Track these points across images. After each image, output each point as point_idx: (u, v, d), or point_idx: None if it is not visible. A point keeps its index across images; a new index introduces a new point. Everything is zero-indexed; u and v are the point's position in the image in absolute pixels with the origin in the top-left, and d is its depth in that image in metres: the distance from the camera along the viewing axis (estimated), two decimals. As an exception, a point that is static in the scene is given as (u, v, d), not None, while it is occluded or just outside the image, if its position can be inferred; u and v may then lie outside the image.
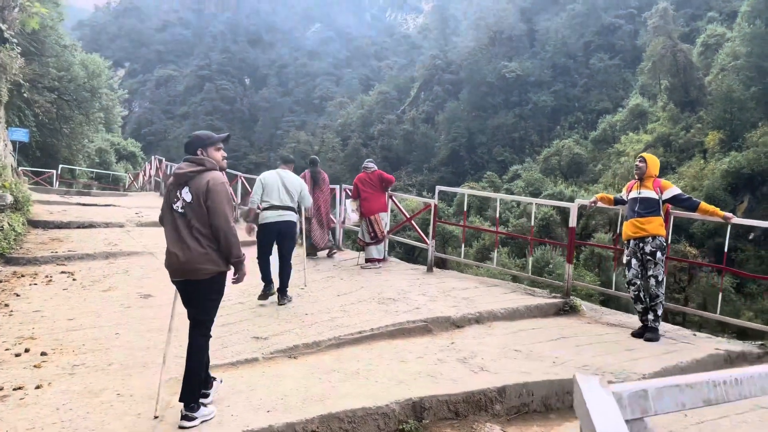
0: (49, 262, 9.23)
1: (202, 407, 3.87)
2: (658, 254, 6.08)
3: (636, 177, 6.43)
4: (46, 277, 8.48)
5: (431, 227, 8.95)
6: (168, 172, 15.05)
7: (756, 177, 33.01)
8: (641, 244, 6.18)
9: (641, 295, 6.20)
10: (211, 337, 4.17)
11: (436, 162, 66.16)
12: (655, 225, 6.13)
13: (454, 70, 74.74)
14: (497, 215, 8.49)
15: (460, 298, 7.13)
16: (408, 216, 9.56)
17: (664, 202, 6.25)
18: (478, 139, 64.69)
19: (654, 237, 6.11)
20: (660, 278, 6.10)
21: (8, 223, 9.86)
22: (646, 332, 6.05)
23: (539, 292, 7.72)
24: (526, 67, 66.86)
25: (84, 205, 14.65)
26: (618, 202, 6.74)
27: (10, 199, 9.82)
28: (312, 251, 9.93)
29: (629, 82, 59.73)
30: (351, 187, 9.63)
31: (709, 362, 5.38)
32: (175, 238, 3.87)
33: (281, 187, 7.20)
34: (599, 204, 6.88)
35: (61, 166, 22.17)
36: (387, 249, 9.80)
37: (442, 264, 10.21)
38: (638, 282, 6.20)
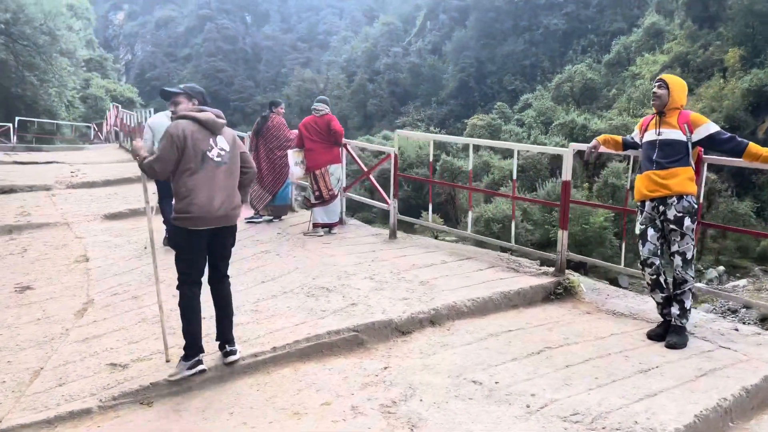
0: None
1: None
2: (686, 221, 4.21)
3: (654, 109, 4.49)
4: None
5: (392, 183, 7.09)
6: (126, 121, 13.18)
7: (780, 95, 30.30)
8: (661, 207, 4.31)
9: (661, 280, 4.37)
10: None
11: (444, 95, 63.27)
12: (682, 179, 4.24)
13: (460, -5, 70.57)
14: (470, 167, 6.60)
15: (417, 282, 5.34)
16: (366, 169, 7.66)
17: (695, 144, 4.33)
18: (487, 68, 61.53)
19: (680, 197, 4.23)
20: (689, 255, 4.25)
21: None
22: (669, 334, 4.24)
23: (526, 264, 5.91)
24: (537, -12, 62.69)
25: (21, 163, 12.97)
26: (628, 145, 4.81)
27: None
28: (274, 213, 8.13)
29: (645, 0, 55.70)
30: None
31: (765, 390, 3.60)
32: (219, 185, 3.90)
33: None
34: (602, 149, 4.95)
35: (17, 118, 20.14)
36: (344, 209, 7.99)
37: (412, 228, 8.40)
38: (657, 261, 4.35)
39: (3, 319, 5.24)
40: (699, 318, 4.74)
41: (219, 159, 3.92)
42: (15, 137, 19.84)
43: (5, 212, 8.98)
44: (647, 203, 4.41)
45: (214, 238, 3.98)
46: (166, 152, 3.86)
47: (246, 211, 4.16)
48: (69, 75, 25.39)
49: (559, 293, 5.25)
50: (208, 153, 3.89)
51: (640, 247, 4.44)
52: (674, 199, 4.24)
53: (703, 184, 4.57)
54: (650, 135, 4.44)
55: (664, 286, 4.36)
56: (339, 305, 4.83)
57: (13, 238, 7.97)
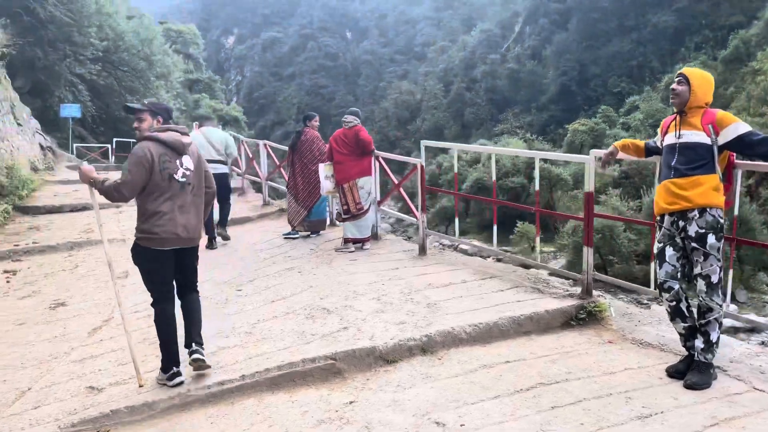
0: (2, 258, 8.13)
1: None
2: (710, 238, 3.56)
3: (674, 109, 3.87)
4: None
5: (419, 196, 6.71)
6: None
7: None
8: (681, 222, 3.68)
9: (682, 307, 3.72)
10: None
11: (545, 100, 61.28)
12: (705, 189, 3.59)
13: (561, -3, 68.32)
14: (494, 177, 6.05)
15: (424, 304, 4.94)
16: (396, 182, 7.32)
17: (722, 148, 3.66)
18: (590, 71, 58.92)
19: (703, 210, 3.59)
20: (714, 279, 3.59)
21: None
22: (690, 371, 3.59)
23: (556, 285, 5.34)
24: (645, -15, 59.35)
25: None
26: (651, 151, 4.16)
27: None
28: (311, 228, 8.01)
29: (767, -12, 51.06)
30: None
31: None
32: (184, 206, 3.92)
33: (207, 144, 7.83)
34: (621, 156, 4.33)
35: (115, 139, 21.73)
36: (378, 224, 7.69)
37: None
38: (676, 286, 3.71)
39: (25, 335, 5.43)
40: (739, 351, 4.01)
41: (184, 179, 3.93)
42: (113, 157, 21.35)
43: (73, 229, 9.50)
44: (666, 218, 3.79)
45: (177, 256, 4.02)
46: (135, 175, 3.81)
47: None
48: (169, 97, 26.94)
49: (582, 318, 4.66)
50: (174, 175, 3.88)
51: (657, 269, 3.81)
52: (696, 212, 3.60)
53: (737, 196, 3.87)
54: (670, 138, 3.81)
55: (686, 314, 3.70)
56: (331, 329, 4.55)
57: (72, 254, 8.37)
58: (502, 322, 4.48)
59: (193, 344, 3.97)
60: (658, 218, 3.86)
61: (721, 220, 3.61)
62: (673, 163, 3.72)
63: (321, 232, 8.09)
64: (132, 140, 19.29)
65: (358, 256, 6.86)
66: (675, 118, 3.82)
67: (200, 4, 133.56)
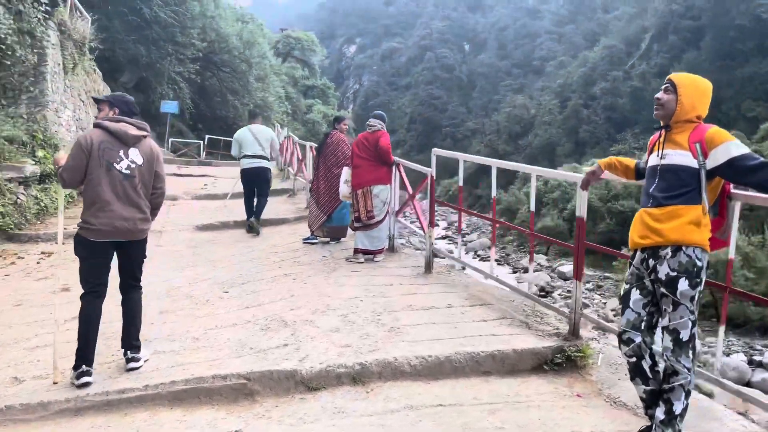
0: (48, 240, 8.50)
1: (143, 350, 3.99)
2: (682, 284, 2.83)
3: (660, 122, 3.15)
4: (18, 257, 7.73)
5: (429, 209, 6.15)
6: (287, 146, 13.88)
7: None
8: (652, 261, 2.97)
9: (645, 366, 2.99)
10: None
11: (668, 121, 57.45)
12: (682, 223, 2.87)
13: (694, 15, 63.70)
14: (493, 194, 5.33)
15: (388, 326, 4.42)
16: (411, 192, 6.78)
17: (712, 173, 2.91)
18: (723, 93, 54.22)
19: (677, 248, 2.86)
20: (683, 335, 2.85)
21: (34, 196, 9.41)
22: (647, 450, 2.87)
23: (550, 322, 4.62)
24: (792, 1, 54.11)
25: (179, 175, 14.18)
26: (641, 173, 3.42)
27: (30, 170, 9.28)
28: (330, 234, 7.70)
29: None
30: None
31: None
32: (123, 198, 3.82)
33: (253, 140, 8.48)
34: (605, 175, 3.60)
35: (207, 136, 22.66)
36: (393, 234, 7.19)
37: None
38: (638, 338, 2.99)
39: (12, 317, 5.50)
40: (732, 428, 3.17)
41: (128, 172, 3.84)
42: (204, 153, 22.26)
43: (122, 218, 9.79)
44: (637, 254, 3.08)
45: (119, 250, 3.95)
46: (72, 160, 3.81)
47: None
48: (273, 100, 27.81)
49: (558, 363, 3.96)
50: (115, 164, 3.81)
51: (620, 315, 3.11)
52: (668, 250, 2.88)
53: (734, 233, 3.07)
54: (653, 158, 3.10)
55: (649, 375, 2.96)
56: (271, 344, 4.16)
57: (109, 242, 8.58)
58: (458, 357, 3.88)
59: (128, 351, 3.91)
60: (631, 254, 3.15)
61: (699, 263, 2.85)
62: (651, 190, 3.02)
63: (342, 239, 7.73)
64: (224, 138, 20.13)
65: (363, 268, 6.43)
66: (660, 135, 3.10)
67: (327, 14, 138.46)
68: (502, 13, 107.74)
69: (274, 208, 9.50)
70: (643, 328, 2.98)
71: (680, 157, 2.93)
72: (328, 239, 7.67)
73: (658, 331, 2.97)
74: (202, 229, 9.10)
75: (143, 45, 18.74)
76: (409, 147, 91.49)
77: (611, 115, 63.76)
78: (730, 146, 2.83)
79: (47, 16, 10.64)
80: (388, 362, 3.80)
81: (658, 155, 3.05)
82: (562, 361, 3.96)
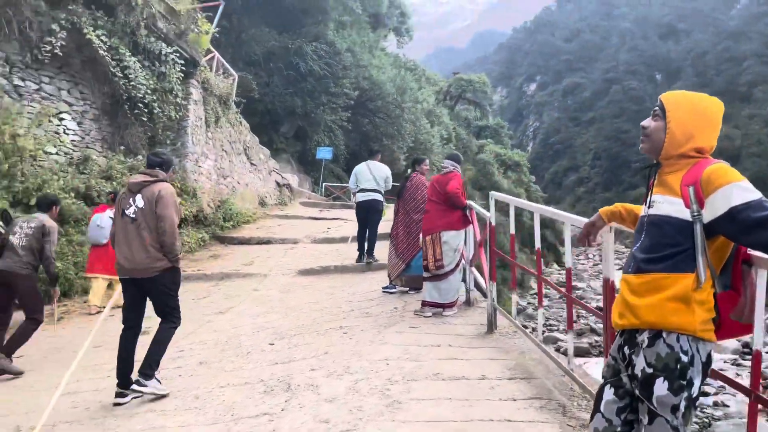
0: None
1: (154, 380, 4.23)
2: (659, 387, 1.96)
3: (651, 159, 2.30)
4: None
5: (489, 260, 5.36)
6: None
7: None
8: (627, 349, 2.13)
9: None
10: (178, 326, 4.49)
11: None
12: (664, 299, 2.02)
13: None
14: (537, 244, 4.33)
15: (391, 399, 3.76)
16: (479, 237, 5.95)
17: (711, 227, 2.01)
18: None
19: (657, 334, 2.01)
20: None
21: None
22: None
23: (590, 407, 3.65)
24: None
25: (314, 219, 14.50)
26: None
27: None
28: (409, 284, 7.19)
29: None
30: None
31: None
32: (128, 239, 4.25)
33: (369, 175, 8.85)
34: (607, 229, 2.71)
35: (358, 180, 22.61)
36: (470, 287, 6.42)
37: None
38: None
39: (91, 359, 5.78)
40: None
41: (133, 216, 4.30)
42: (354, 196, 22.51)
43: (238, 261, 10.15)
44: (617, 337, 2.24)
45: (141, 288, 4.35)
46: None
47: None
48: (434, 144, 28.00)
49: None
50: (125, 210, 4.34)
51: (588, 422, 2.25)
52: (644, 336, 2.04)
53: (759, 314, 2.08)
54: (643, 208, 2.27)
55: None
56: (255, 412, 3.77)
57: (216, 285, 8.88)
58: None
59: (138, 375, 4.21)
60: (618, 334, 2.30)
61: (685, 357, 1.94)
62: (633, 249, 2.19)
63: (421, 289, 7.14)
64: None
65: (425, 323, 5.79)
66: (649, 175, 2.27)
67: (506, 54, 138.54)
68: (699, 38, 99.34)
69: (377, 252, 9.22)
70: (617, 434, 2.12)
71: (669, 205, 2.08)
72: (407, 289, 7.16)
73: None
74: (302, 274, 9.08)
75: (299, 97, 19.90)
76: (594, 185, 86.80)
77: (836, 144, 55.14)
78: (732, 190, 1.92)
79: (187, 75, 11.62)
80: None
81: (646, 205, 2.22)
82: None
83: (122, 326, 4.39)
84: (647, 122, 2.23)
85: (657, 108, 2.22)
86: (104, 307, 6.49)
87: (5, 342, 5.46)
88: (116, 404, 4.18)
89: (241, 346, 5.62)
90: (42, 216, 5.84)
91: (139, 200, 4.29)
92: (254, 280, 8.94)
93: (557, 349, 11.33)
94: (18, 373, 5.32)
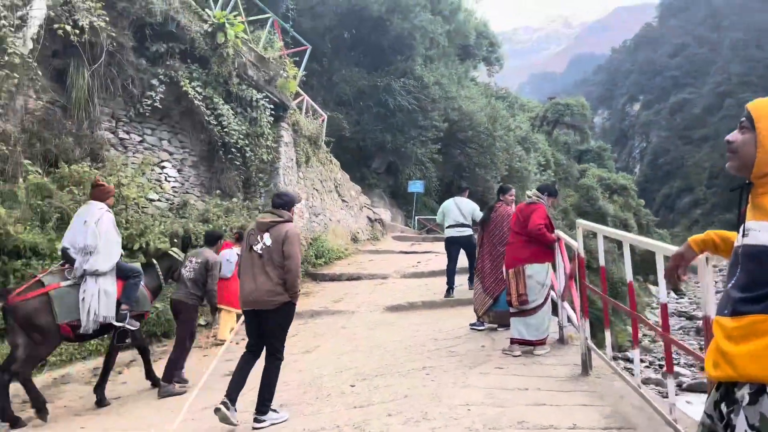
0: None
1: (271, 412, 4.54)
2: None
3: (742, 179, 1.93)
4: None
5: (580, 296, 4.90)
6: None
7: None
8: (725, 407, 1.76)
9: None
10: (282, 360, 4.76)
11: None
12: (764, 348, 1.65)
13: None
14: (629, 277, 3.80)
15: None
16: (568, 270, 5.48)
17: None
18: None
19: (761, 390, 1.65)
20: None
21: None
22: None
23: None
24: None
25: (405, 253, 14.33)
26: None
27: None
28: (497, 320, 6.81)
29: None
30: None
31: None
32: (254, 273, 4.62)
33: (456, 210, 9.02)
34: (703, 259, 2.32)
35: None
36: (564, 324, 5.92)
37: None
38: None
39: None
40: None
41: (261, 252, 4.66)
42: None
43: (328, 298, 10.13)
44: (712, 390, 1.87)
45: (259, 319, 4.68)
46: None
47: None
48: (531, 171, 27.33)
49: None
50: (254, 246, 4.72)
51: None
52: (744, 392, 1.67)
53: None
54: (738, 238, 1.91)
55: None
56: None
57: (306, 322, 8.88)
58: None
59: (255, 413, 4.50)
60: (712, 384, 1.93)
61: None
62: (728, 286, 1.84)
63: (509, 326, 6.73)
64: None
65: (513, 363, 5.39)
66: (741, 198, 1.91)
67: (605, 76, 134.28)
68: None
69: (465, 288, 8.93)
70: None
71: (766, 233, 1.73)
72: (495, 325, 6.77)
73: None
74: (389, 310, 8.90)
75: (389, 132, 20.05)
76: (711, 206, 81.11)
77: None
78: None
79: (277, 119, 11.96)
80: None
81: (740, 232, 1.86)
82: None
83: (246, 348, 4.78)
84: (733, 136, 1.89)
85: (744, 119, 1.87)
86: (223, 341, 6.91)
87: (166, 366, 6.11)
88: (216, 410, 4.43)
89: (322, 387, 5.49)
90: (207, 251, 6.58)
91: (267, 238, 4.66)
92: (342, 317, 8.87)
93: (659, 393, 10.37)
94: (181, 393, 5.93)
